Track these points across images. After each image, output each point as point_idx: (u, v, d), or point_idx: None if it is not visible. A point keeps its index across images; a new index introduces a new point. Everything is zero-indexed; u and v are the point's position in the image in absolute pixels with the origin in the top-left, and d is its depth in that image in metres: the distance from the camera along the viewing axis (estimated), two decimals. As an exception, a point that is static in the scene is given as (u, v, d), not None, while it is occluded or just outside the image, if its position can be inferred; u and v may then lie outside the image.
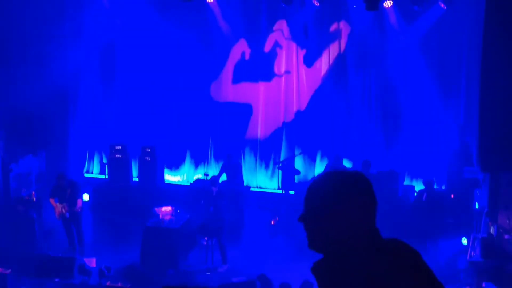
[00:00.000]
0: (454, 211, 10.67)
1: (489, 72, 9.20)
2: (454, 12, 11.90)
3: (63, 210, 10.31)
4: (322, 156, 13.33)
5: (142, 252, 9.92)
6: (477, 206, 10.71)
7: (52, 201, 10.43)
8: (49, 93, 12.31)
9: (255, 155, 13.74)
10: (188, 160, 13.98)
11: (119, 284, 8.87)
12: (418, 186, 12.15)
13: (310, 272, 2.21)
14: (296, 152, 13.38)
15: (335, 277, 2.13)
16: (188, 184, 13.51)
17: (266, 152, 13.69)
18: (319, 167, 13.20)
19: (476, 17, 10.69)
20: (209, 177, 11.82)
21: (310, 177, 13.24)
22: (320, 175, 2.29)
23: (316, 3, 12.58)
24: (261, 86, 13.62)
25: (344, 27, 13.05)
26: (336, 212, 2.15)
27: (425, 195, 10.64)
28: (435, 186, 11.77)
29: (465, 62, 12.14)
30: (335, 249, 2.16)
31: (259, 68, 13.55)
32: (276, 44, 13.50)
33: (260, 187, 13.66)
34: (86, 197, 12.00)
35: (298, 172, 13.03)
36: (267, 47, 13.49)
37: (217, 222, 10.09)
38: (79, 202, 10.46)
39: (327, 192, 2.18)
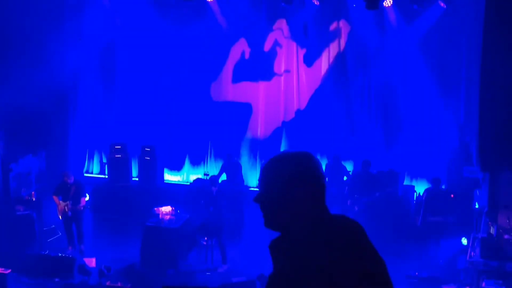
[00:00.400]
0: (454, 210, 10.66)
1: (489, 71, 9.20)
2: (454, 11, 11.89)
3: (66, 208, 10.33)
4: (322, 156, 13.32)
5: (142, 252, 9.92)
6: (477, 206, 10.70)
7: (55, 198, 10.45)
8: (49, 92, 12.31)
9: (255, 155, 13.74)
10: (188, 159, 13.99)
11: (119, 284, 8.87)
12: (418, 186, 12.15)
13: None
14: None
15: (289, 254, 2.22)
16: (188, 183, 13.52)
17: (266, 151, 13.68)
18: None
19: (476, 17, 10.68)
20: (209, 177, 11.81)
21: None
22: (273, 157, 2.37)
23: (316, 2, 12.58)
24: (261, 85, 13.62)
25: (344, 26, 13.04)
26: (290, 191, 2.25)
27: (425, 195, 10.64)
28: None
29: (465, 62, 12.14)
30: (290, 227, 2.27)
31: (259, 67, 13.54)
32: (276, 43, 13.49)
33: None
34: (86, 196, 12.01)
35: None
36: (267, 46, 13.49)
37: (217, 222, 10.09)
38: (83, 201, 10.49)
39: (281, 173, 2.28)
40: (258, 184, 2.35)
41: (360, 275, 2.14)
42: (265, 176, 2.34)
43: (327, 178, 12.28)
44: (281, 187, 2.27)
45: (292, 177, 2.27)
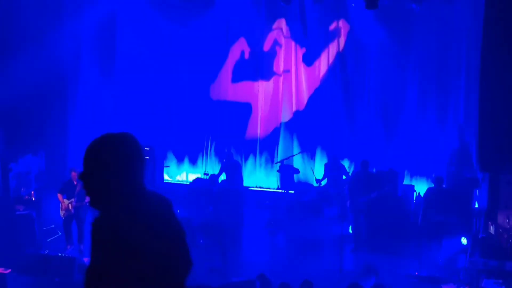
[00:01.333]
0: (454, 210, 10.66)
1: (488, 71, 9.21)
2: (454, 10, 11.89)
3: (70, 205, 10.33)
4: (321, 155, 13.33)
5: (141, 251, 9.88)
6: (476, 206, 10.70)
7: (59, 196, 10.43)
8: (49, 92, 12.30)
9: (255, 154, 13.73)
10: (187, 159, 13.98)
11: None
12: (418, 185, 12.15)
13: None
14: (296, 151, 13.37)
15: (109, 232, 2.45)
16: (188, 183, 13.51)
17: (266, 151, 13.69)
18: (319, 166, 13.19)
19: (476, 16, 10.68)
20: (208, 176, 11.80)
21: (309, 176, 13.25)
22: (96, 138, 2.55)
23: (316, 2, 12.58)
24: (261, 85, 13.62)
25: (343, 25, 13.05)
26: (110, 170, 2.45)
27: (427, 194, 10.62)
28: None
29: (464, 61, 12.14)
30: (110, 205, 2.48)
31: (259, 67, 13.56)
32: (276, 43, 13.50)
33: (260, 187, 13.65)
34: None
35: (297, 171, 13.02)
36: (267, 46, 13.49)
37: (216, 221, 10.08)
38: (87, 198, 10.47)
39: (102, 153, 2.48)
40: (83, 163, 2.51)
41: (166, 245, 2.50)
42: (88, 156, 2.51)
43: (326, 178, 12.29)
44: (102, 166, 2.45)
45: (112, 157, 2.46)
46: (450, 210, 10.37)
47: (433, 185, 10.87)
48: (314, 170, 13.22)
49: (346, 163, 12.69)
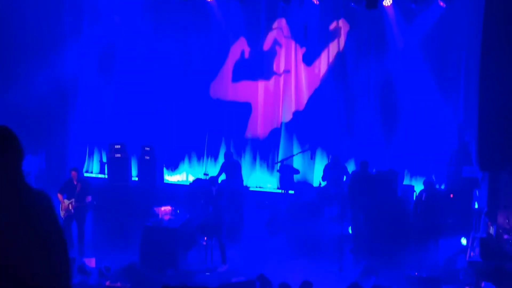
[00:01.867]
0: (454, 210, 10.65)
1: (488, 70, 9.19)
2: (453, 10, 11.89)
3: (70, 206, 10.34)
4: (321, 155, 13.32)
5: (141, 252, 9.90)
6: (476, 206, 10.69)
7: (59, 196, 10.44)
8: (49, 92, 12.33)
9: (255, 154, 13.72)
10: (187, 159, 13.97)
11: (119, 284, 8.86)
12: (418, 185, 12.14)
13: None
14: (296, 151, 13.37)
15: None
16: (188, 183, 13.50)
17: (266, 151, 13.68)
18: (319, 166, 13.18)
19: (476, 15, 10.67)
20: (208, 177, 11.80)
21: (309, 176, 13.25)
22: None
23: (316, 2, 12.56)
24: (261, 84, 13.61)
25: (343, 25, 13.03)
26: None
27: (424, 195, 10.63)
28: (436, 186, 11.78)
29: (464, 61, 12.14)
30: None
31: (259, 66, 13.54)
32: (276, 43, 13.48)
33: (260, 187, 13.65)
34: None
35: (297, 172, 13.02)
36: (267, 46, 13.48)
37: (216, 221, 10.08)
38: (88, 199, 10.53)
39: None
40: None
41: (35, 244, 2.45)
42: None
43: (326, 180, 12.26)
44: None
45: None
46: (446, 213, 10.38)
47: (423, 189, 10.87)
48: (314, 170, 13.23)
49: (348, 164, 12.67)
